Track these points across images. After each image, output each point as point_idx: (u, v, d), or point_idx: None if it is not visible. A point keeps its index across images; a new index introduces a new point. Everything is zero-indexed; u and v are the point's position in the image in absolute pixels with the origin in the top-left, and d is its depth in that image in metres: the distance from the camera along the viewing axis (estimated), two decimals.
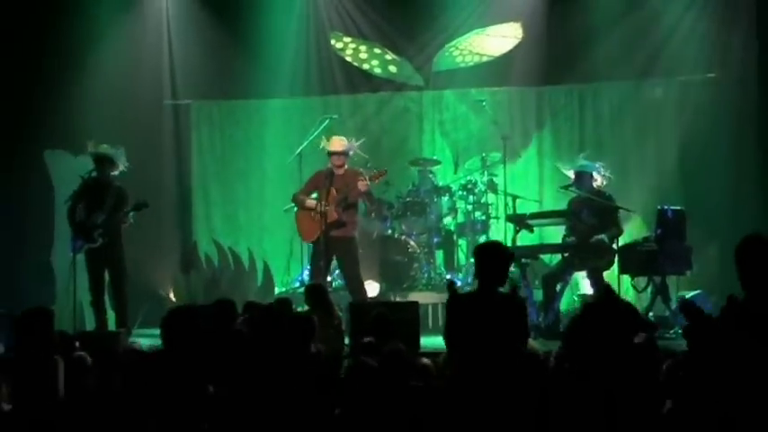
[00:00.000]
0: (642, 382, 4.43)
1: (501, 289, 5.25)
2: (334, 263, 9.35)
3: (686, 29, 10.93)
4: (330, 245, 8.99)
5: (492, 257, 5.28)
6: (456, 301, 5.33)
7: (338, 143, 9.19)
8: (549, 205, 10.44)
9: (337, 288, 9.52)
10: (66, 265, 9.37)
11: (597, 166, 9.25)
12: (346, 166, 9.19)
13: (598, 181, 9.15)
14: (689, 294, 9.22)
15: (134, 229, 9.27)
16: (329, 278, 9.53)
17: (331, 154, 9.16)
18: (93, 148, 9.22)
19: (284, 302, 7.25)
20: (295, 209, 9.43)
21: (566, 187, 9.26)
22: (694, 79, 11.00)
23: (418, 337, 7.38)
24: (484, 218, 10.70)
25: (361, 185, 8.90)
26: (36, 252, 10.73)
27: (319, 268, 8.93)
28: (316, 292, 7.53)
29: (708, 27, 10.89)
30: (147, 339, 8.40)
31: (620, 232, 9.05)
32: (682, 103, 11.06)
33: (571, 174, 9.34)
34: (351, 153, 9.26)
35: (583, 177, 9.15)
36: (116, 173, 9.12)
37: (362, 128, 11.35)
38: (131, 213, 8.98)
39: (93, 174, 9.06)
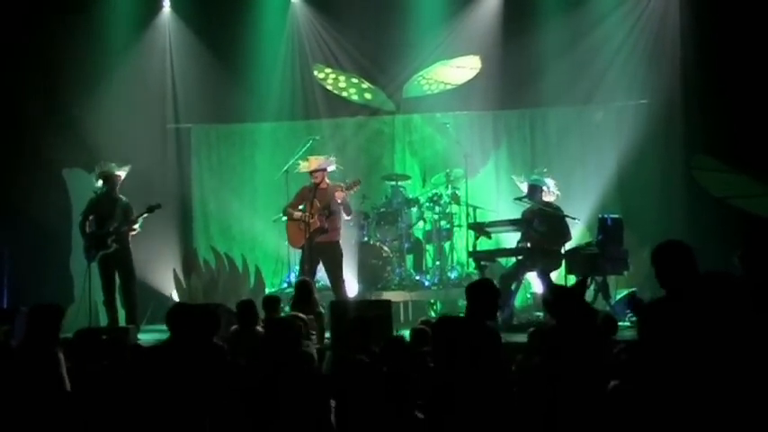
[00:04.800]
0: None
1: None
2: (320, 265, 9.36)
3: (621, 61, 11.05)
4: (316, 250, 9.07)
5: (481, 295, 5.02)
6: (445, 323, 5.32)
7: (314, 162, 9.29)
8: (505, 215, 10.32)
9: (321, 288, 9.56)
10: (82, 270, 9.37)
11: (548, 182, 9.31)
12: (328, 181, 9.27)
13: (548, 196, 9.24)
14: (625, 291, 9.37)
15: (142, 237, 9.32)
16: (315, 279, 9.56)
17: (311, 172, 9.25)
18: (101, 167, 9.25)
19: (273, 300, 7.38)
20: (284, 219, 9.50)
21: (519, 199, 9.29)
22: (629, 105, 11.13)
23: (392, 329, 7.43)
24: (448, 226, 10.70)
25: (338, 195, 9.04)
26: (57, 258, 10.64)
27: (305, 271, 8.98)
28: (301, 287, 7.71)
29: (640, 59, 11.04)
30: (154, 334, 8.47)
31: (568, 238, 9.11)
32: (618, 125, 11.15)
33: (524, 186, 9.43)
34: (329, 168, 9.32)
35: (534, 190, 9.19)
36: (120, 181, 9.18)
37: (342, 148, 11.37)
38: (140, 222, 9.04)
39: (103, 189, 9.11)
